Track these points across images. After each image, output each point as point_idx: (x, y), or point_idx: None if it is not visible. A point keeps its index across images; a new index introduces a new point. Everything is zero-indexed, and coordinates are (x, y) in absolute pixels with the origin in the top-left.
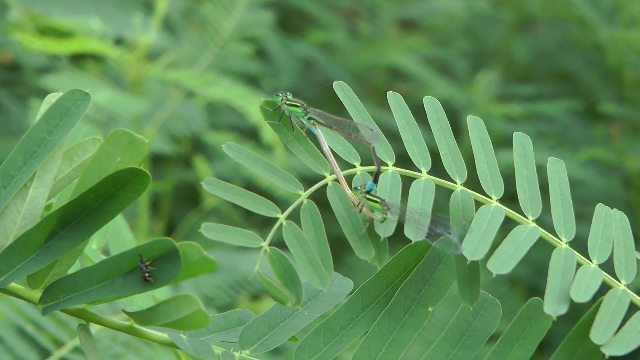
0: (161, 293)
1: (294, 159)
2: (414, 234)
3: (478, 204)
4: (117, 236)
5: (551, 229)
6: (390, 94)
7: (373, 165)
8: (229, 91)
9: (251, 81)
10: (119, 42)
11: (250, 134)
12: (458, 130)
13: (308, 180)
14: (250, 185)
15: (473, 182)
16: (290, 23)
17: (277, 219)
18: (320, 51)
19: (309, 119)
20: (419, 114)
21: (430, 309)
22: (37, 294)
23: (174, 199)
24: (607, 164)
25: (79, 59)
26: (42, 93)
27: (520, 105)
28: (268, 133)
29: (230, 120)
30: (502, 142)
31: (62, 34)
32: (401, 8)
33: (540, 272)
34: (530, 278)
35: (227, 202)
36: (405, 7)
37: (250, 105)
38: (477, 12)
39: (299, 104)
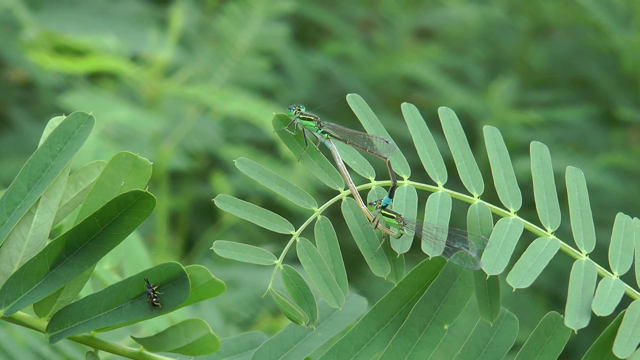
0: (179, 314)
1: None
2: (432, 249)
3: (496, 216)
4: (131, 254)
5: (568, 235)
6: (404, 106)
7: (388, 179)
8: (248, 106)
9: (267, 94)
10: (134, 59)
11: (267, 148)
12: (475, 139)
13: (327, 193)
14: (269, 200)
15: (490, 192)
16: (305, 35)
17: (291, 235)
18: (335, 62)
19: (323, 132)
20: (437, 124)
21: (446, 327)
22: (44, 322)
23: (192, 215)
24: (626, 170)
25: (95, 77)
26: (58, 112)
27: (538, 112)
28: (286, 147)
29: (246, 134)
30: (520, 150)
31: (77, 53)
32: (416, 17)
33: (562, 280)
34: (552, 286)
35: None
36: (420, 17)
37: (270, 119)
38: (492, 19)
39: (312, 118)
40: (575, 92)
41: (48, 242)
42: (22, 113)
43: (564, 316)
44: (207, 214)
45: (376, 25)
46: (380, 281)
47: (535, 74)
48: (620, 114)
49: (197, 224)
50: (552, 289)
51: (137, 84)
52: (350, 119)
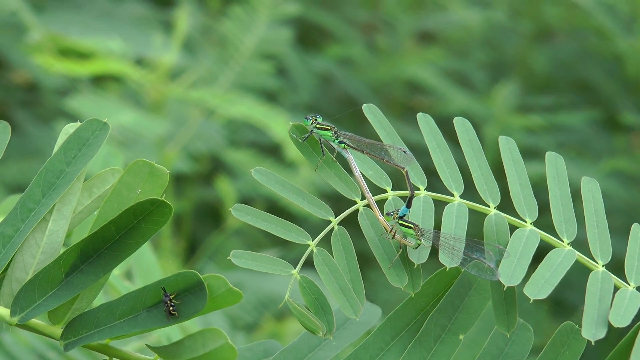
0: (190, 321)
1: (318, 177)
2: (449, 259)
3: (512, 227)
4: (141, 260)
5: (580, 243)
6: (420, 116)
7: (405, 189)
8: (252, 109)
9: (270, 97)
10: (138, 62)
11: (270, 151)
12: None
13: (332, 199)
14: (273, 204)
15: (502, 200)
16: (308, 38)
17: (307, 245)
18: (338, 65)
19: (340, 142)
20: (440, 128)
21: (461, 337)
22: (58, 330)
23: (195, 218)
24: (629, 175)
25: (99, 80)
26: (63, 114)
27: (540, 116)
28: (292, 151)
29: (249, 136)
30: (522, 154)
31: (82, 55)
32: (418, 21)
33: (565, 286)
34: (555, 291)
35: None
36: (423, 20)
37: (274, 122)
38: (495, 23)
39: (329, 127)
40: (578, 96)
41: (62, 249)
42: (24, 115)
43: (579, 326)
44: (210, 217)
45: (378, 28)
46: (384, 287)
47: (537, 77)
48: (624, 118)
49: (199, 227)
50: (555, 295)
51: (141, 87)
52: (355, 125)
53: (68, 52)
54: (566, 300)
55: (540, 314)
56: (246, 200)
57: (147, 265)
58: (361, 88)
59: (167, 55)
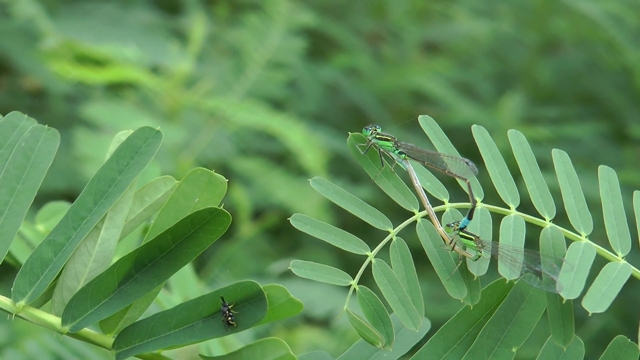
0: None
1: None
2: (509, 271)
3: (567, 240)
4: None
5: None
6: (474, 127)
7: (459, 202)
8: (269, 119)
9: (276, 105)
10: (153, 69)
11: (278, 159)
12: None
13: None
14: (284, 213)
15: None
16: (315, 47)
17: (366, 256)
18: (344, 75)
19: (400, 153)
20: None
21: (514, 350)
22: (110, 339)
23: None
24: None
25: (113, 87)
26: (73, 121)
27: (546, 127)
28: (308, 160)
29: (256, 145)
30: None
31: (97, 62)
32: (425, 31)
33: None
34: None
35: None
36: (429, 30)
37: (290, 131)
38: (501, 34)
39: (389, 138)
40: (583, 109)
41: (115, 258)
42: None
43: (633, 340)
44: None
45: (385, 38)
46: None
47: (543, 89)
48: (632, 131)
49: None
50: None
51: (156, 95)
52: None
53: (83, 59)
54: (577, 309)
55: (547, 326)
56: (258, 209)
57: (183, 275)
58: (367, 98)
59: (182, 63)
